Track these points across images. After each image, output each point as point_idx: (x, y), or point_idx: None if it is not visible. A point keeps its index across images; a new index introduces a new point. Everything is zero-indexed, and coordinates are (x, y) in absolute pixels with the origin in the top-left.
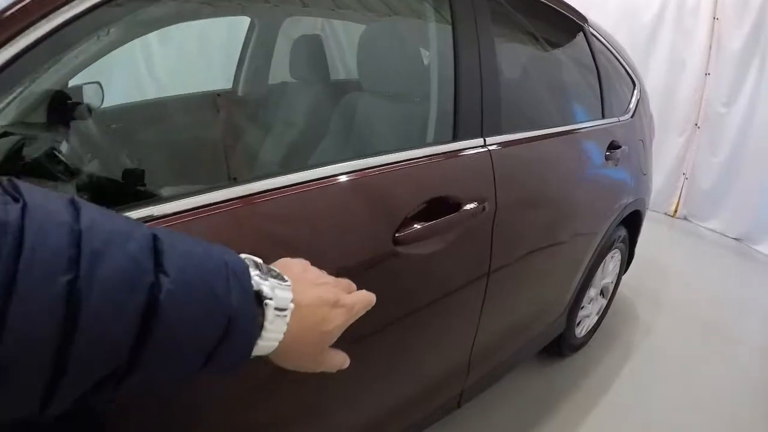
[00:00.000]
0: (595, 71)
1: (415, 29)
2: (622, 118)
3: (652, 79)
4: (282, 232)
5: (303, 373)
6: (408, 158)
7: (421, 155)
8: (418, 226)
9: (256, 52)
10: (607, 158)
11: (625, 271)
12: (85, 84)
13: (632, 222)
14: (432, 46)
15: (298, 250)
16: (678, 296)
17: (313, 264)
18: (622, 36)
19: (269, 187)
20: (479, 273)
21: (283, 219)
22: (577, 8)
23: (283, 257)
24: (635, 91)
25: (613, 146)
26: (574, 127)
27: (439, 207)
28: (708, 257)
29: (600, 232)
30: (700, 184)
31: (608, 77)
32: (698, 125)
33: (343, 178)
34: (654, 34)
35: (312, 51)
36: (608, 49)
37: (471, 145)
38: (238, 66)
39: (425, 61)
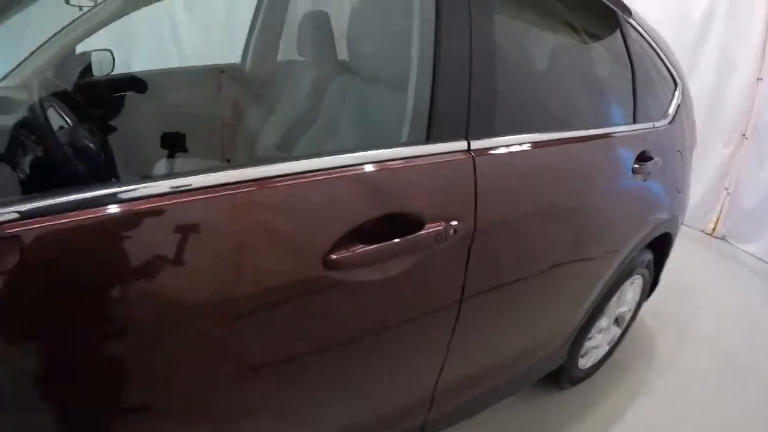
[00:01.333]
0: (629, 67)
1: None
2: (658, 124)
3: (698, 82)
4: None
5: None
6: (358, 162)
7: (375, 159)
8: (360, 248)
9: (265, 26)
10: (634, 171)
11: (648, 298)
12: (95, 51)
13: (660, 245)
14: (415, 23)
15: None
16: (706, 330)
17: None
18: (668, 32)
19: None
20: (446, 303)
21: (206, 225)
22: None
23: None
24: (677, 93)
25: (643, 157)
26: (595, 132)
27: (394, 225)
28: (745, 287)
29: (617, 257)
30: (744, 201)
31: (645, 75)
32: (746, 136)
33: (278, 184)
34: (703, 33)
35: (318, 28)
36: (648, 42)
37: (448, 150)
38: (246, 39)
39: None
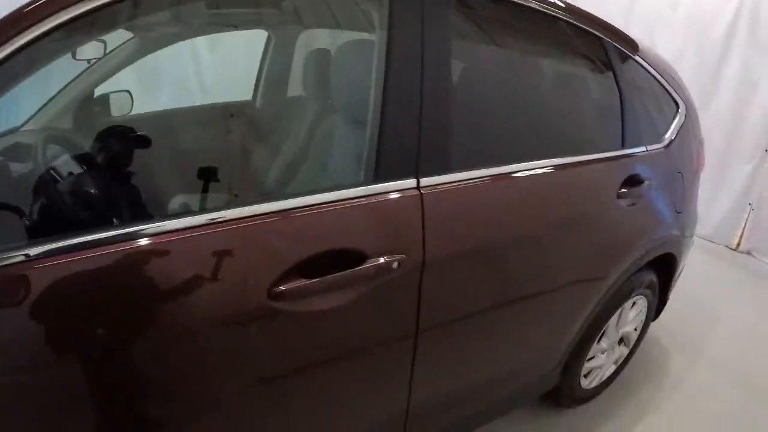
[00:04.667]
0: (617, 93)
1: (359, 44)
2: (651, 148)
3: (720, 101)
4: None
5: None
6: (309, 203)
7: (322, 201)
8: (304, 281)
9: (272, 66)
10: (619, 196)
11: (655, 318)
12: (113, 93)
13: (664, 265)
14: (374, 64)
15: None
16: (723, 349)
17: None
18: (690, 54)
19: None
20: (400, 334)
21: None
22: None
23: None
24: (678, 115)
25: (631, 181)
26: (566, 161)
27: (340, 261)
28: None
29: (602, 282)
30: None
31: (635, 100)
32: None
33: (231, 226)
34: (725, 51)
35: (318, 66)
36: (642, 66)
37: (394, 189)
38: (256, 79)
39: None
